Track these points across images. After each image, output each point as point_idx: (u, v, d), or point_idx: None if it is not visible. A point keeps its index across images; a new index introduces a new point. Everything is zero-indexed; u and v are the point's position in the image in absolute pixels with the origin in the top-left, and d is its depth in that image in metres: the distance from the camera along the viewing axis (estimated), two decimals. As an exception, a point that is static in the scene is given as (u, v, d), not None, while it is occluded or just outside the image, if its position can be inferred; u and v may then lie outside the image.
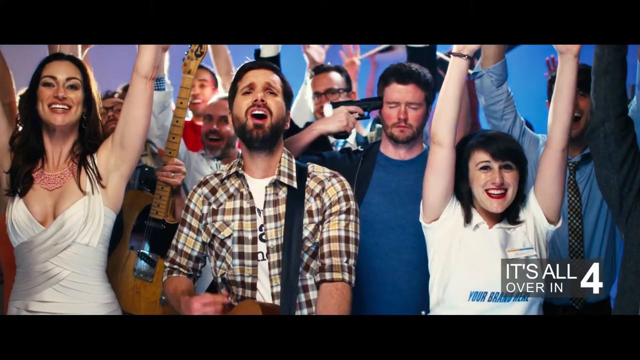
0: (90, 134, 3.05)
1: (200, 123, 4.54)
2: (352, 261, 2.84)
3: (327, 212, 2.87)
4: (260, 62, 3.00)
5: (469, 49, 2.92)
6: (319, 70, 4.29)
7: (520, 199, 2.98)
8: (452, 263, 2.95)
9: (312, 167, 2.98)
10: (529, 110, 4.68)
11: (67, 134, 3.04)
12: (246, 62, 3.02)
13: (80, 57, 3.51)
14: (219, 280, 2.95)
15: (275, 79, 2.95)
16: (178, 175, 3.49)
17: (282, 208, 2.88)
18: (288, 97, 2.99)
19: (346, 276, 2.81)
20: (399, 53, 5.70)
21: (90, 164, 3.01)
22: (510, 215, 2.97)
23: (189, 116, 4.83)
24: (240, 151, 4.19)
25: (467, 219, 2.97)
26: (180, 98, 3.53)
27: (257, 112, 2.87)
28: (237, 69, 3.04)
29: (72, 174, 3.00)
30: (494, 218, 2.98)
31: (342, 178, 2.96)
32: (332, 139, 3.97)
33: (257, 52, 3.74)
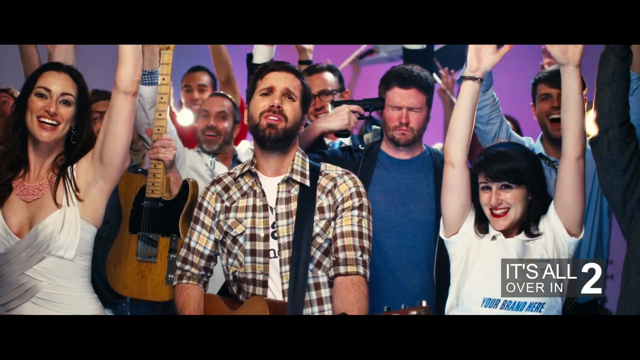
0: (79, 150, 2.91)
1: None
2: (366, 256, 2.80)
3: (340, 208, 2.83)
4: (282, 65, 2.92)
5: (481, 71, 2.90)
6: (312, 71, 4.18)
7: (536, 213, 2.95)
8: (468, 268, 2.93)
9: (325, 166, 2.95)
10: (516, 111, 4.70)
11: (52, 148, 2.90)
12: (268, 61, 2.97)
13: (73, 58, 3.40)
14: (231, 278, 2.90)
15: (295, 83, 2.88)
16: (169, 150, 3.40)
17: (294, 205, 2.84)
18: (306, 101, 2.94)
19: (361, 269, 2.77)
20: (382, 57, 5.67)
21: (69, 176, 2.87)
22: (527, 229, 2.94)
23: (190, 121, 4.72)
24: (236, 148, 4.16)
25: (484, 229, 2.95)
26: (162, 75, 3.44)
27: (272, 117, 2.83)
28: (260, 66, 2.98)
29: (50, 185, 2.87)
30: (508, 231, 2.95)
31: (354, 175, 2.93)
32: (327, 141, 3.94)
33: (250, 56, 3.63)
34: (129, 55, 2.82)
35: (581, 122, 2.87)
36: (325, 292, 2.83)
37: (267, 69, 2.90)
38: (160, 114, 3.42)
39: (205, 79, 4.74)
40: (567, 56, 2.85)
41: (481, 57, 2.90)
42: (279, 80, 2.87)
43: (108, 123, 2.85)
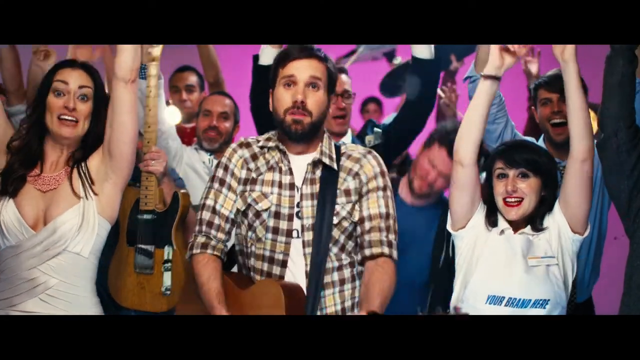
0: (93, 144, 2.87)
1: (188, 125, 4.42)
2: (392, 236, 2.77)
3: (365, 189, 2.78)
4: (306, 51, 2.77)
5: (503, 69, 2.86)
6: None
7: (545, 207, 2.93)
8: (474, 264, 2.91)
9: (346, 147, 2.88)
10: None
11: (69, 145, 2.86)
12: (288, 47, 2.83)
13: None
14: (247, 251, 2.79)
15: (320, 69, 2.76)
16: (159, 162, 3.36)
17: (317, 187, 2.77)
18: (332, 84, 2.81)
19: (385, 249, 2.74)
20: (363, 54, 5.65)
21: (84, 168, 2.82)
22: (533, 223, 2.92)
23: (178, 119, 4.66)
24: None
25: (493, 223, 2.93)
26: (149, 87, 3.39)
27: (297, 117, 2.73)
28: (281, 50, 2.87)
29: (67, 176, 2.81)
30: (517, 224, 2.93)
31: (376, 154, 2.86)
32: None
33: (255, 57, 3.55)
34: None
35: (583, 122, 2.84)
36: (347, 273, 2.79)
37: (290, 56, 2.77)
38: (149, 127, 3.38)
39: (193, 79, 4.61)
40: (561, 54, 2.83)
41: (504, 54, 2.86)
42: (301, 70, 2.74)
43: (112, 115, 2.79)
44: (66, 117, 2.80)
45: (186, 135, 4.40)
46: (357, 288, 2.80)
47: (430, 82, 3.54)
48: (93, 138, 2.86)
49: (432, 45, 3.55)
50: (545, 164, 2.94)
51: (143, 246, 3.37)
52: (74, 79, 2.83)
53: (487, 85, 2.88)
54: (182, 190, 3.43)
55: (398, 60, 5.52)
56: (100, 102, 2.86)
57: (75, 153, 2.86)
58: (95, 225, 2.79)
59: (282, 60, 2.79)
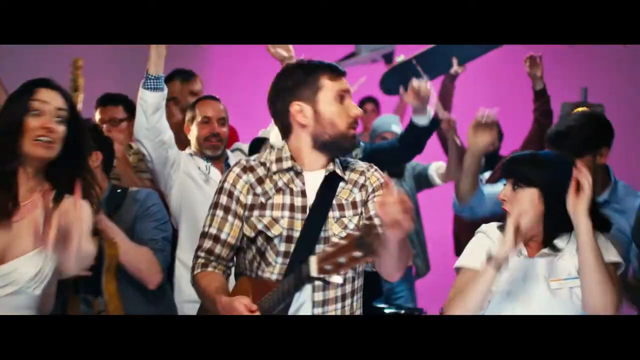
0: (65, 176, 2.59)
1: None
2: None
3: (371, 197, 2.71)
4: (340, 69, 2.72)
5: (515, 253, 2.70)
6: None
7: (554, 225, 2.75)
8: (493, 286, 2.73)
9: (347, 160, 2.81)
10: (512, 119, 4.69)
11: (40, 169, 2.59)
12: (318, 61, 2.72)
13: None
14: (252, 275, 2.70)
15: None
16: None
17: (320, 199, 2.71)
18: None
19: None
20: (363, 57, 5.63)
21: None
22: (549, 243, 2.77)
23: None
24: (227, 151, 4.04)
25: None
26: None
27: (355, 132, 2.70)
28: (312, 63, 2.71)
29: (34, 209, 2.57)
30: (534, 245, 2.79)
31: (377, 168, 2.81)
32: None
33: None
34: None
35: (597, 293, 2.62)
36: (348, 288, 2.72)
37: (338, 70, 2.70)
38: None
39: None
40: (571, 207, 2.66)
41: (519, 238, 2.66)
42: (349, 86, 2.72)
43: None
44: (42, 139, 2.57)
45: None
46: (355, 302, 2.75)
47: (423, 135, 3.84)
48: (63, 169, 2.63)
49: (432, 113, 3.83)
50: (542, 173, 2.75)
51: (84, 296, 3.31)
52: (52, 99, 2.61)
53: (489, 273, 2.66)
54: (110, 239, 3.32)
55: (400, 57, 5.49)
56: (74, 128, 2.64)
57: (48, 192, 2.63)
58: (50, 271, 2.59)
59: (333, 73, 2.69)
